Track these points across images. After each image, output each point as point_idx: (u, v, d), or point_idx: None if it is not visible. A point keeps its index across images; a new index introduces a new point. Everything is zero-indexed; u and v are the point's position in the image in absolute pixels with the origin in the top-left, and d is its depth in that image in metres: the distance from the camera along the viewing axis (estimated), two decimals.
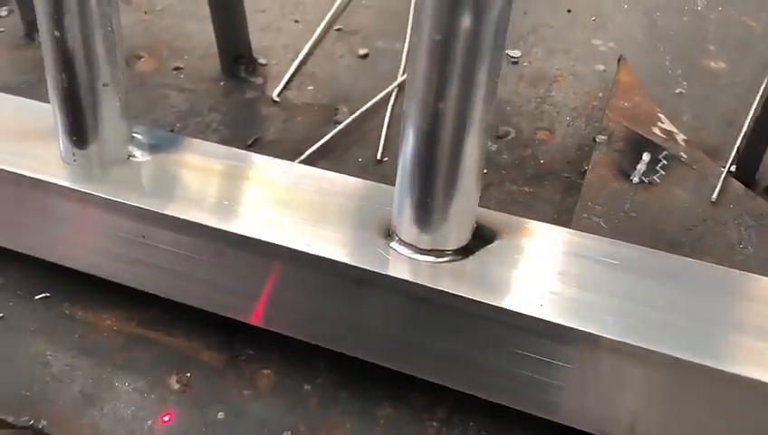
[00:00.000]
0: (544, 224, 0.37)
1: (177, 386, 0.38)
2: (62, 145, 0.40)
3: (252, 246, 0.36)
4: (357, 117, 0.53)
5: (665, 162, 0.47)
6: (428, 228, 0.34)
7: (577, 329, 0.31)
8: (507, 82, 0.57)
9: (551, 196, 0.47)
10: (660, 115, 0.50)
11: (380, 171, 0.49)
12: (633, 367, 0.31)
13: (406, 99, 0.32)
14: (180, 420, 0.36)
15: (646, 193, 0.45)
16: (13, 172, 0.40)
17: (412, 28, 0.32)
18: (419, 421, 0.36)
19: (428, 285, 0.33)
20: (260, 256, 0.36)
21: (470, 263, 0.34)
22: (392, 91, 0.56)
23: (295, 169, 0.41)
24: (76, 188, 0.38)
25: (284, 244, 0.35)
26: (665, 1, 0.67)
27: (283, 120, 0.54)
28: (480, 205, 0.36)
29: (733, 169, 0.48)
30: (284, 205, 0.37)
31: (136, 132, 0.41)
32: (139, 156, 0.40)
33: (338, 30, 0.64)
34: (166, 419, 0.36)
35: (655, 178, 0.46)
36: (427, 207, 0.33)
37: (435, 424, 0.36)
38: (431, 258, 0.34)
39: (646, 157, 0.47)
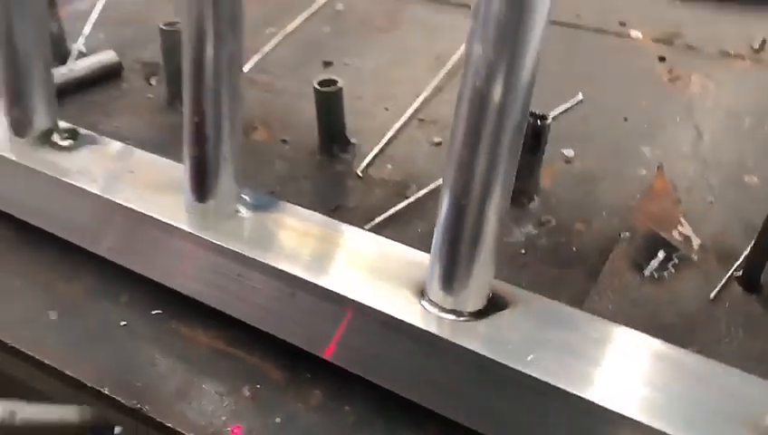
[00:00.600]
0: (553, 301, 0.46)
1: (248, 394, 0.48)
2: (187, 197, 0.52)
3: (322, 293, 0.46)
4: (422, 195, 0.64)
5: (676, 261, 0.54)
6: (451, 292, 0.43)
7: (550, 383, 0.39)
8: (558, 178, 0.66)
9: (574, 279, 0.55)
10: (682, 220, 0.58)
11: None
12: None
13: (443, 177, 0.42)
14: (247, 421, 0.47)
15: (653, 286, 0.53)
16: (147, 214, 0.53)
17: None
18: None
19: (444, 338, 0.42)
20: (326, 301, 0.46)
21: (482, 324, 0.43)
22: None
23: (364, 235, 0.51)
24: (194, 232, 0.50)
25: (345, 294, 0.45)
26: (715, 117, 0.75)
27: (362, 191, 0.65)
28: (512, 281, 0.46)
29: (740, 273, 0.54)
30: (352, 263, 0.48)
31: (243, 193, 0.53)
32: (244, 212, 0.52)
33: (420, 120, 0.75)
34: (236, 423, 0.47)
35: (664, 274, 0.54)
36: (451, 274, 0.43)
37: None
38: (452, 317, 0.44)
39: (660, 255, 0.55)
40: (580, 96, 0.78)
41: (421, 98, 0.78)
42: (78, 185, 0.55)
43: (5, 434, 0.49)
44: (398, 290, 0.46)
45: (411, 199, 0.63)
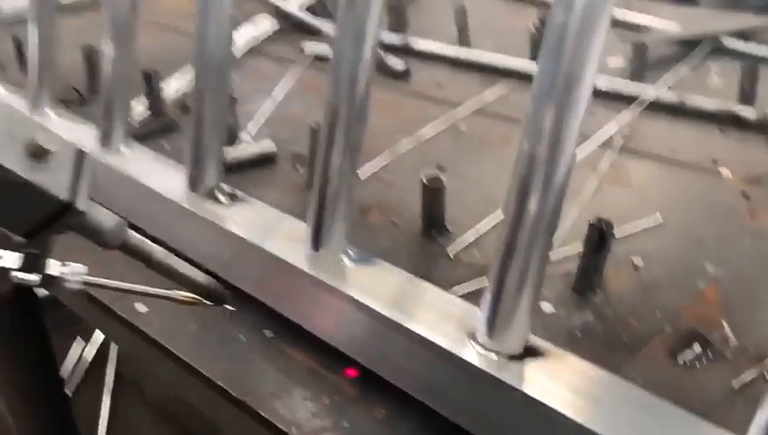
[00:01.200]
0: (583, 360, 0.55)
1: (327, 402, 0.61)
2: (306, 246, 0.67)
3: (395, 327, 0.59)
4: None
5: (710, 356, 0.61)
6: (492, 336, 0.54)
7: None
8: (624, 280, 0.76)
9: (617, 359, 0.64)
10: (724, 324, 0.65)
11: None
12: None
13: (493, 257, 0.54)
14: (322, 420, 0.59)
15: (683, 371, 0.60)
16: (276, 256, 0.68)
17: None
18: None
19: (484, 370, 0.53)
20: (398, 334, 0.59)
21: (515, 365, 0.54)
22: None
23: (437, 291, 0.63)
24: (306, 271, 0.65)
25: (414, 329, 0.58)
26: None
27: (450, 269, 0.78)
28: None
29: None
30: (422, 308, 0.60)
31: (349, 249, 0.68)
32: (347, 262, 0.66)
33: None
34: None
35: (696, 363, 0.61)
36: (494, 323, 0.54)
37: None
38: (492, 356, 0.54)
39: (696, 348, 0.62)
40: (660, 219, 0.87)
41: None
42: (232, 231, 0.72)
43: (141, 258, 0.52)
44: (457, 332, 0.57)
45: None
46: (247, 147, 1.02)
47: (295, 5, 1.67)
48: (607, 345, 0.66)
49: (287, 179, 0.98)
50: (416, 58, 1.45)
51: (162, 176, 0.81)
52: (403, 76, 1.35)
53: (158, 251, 0.50)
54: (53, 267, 0.46)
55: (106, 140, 0.89)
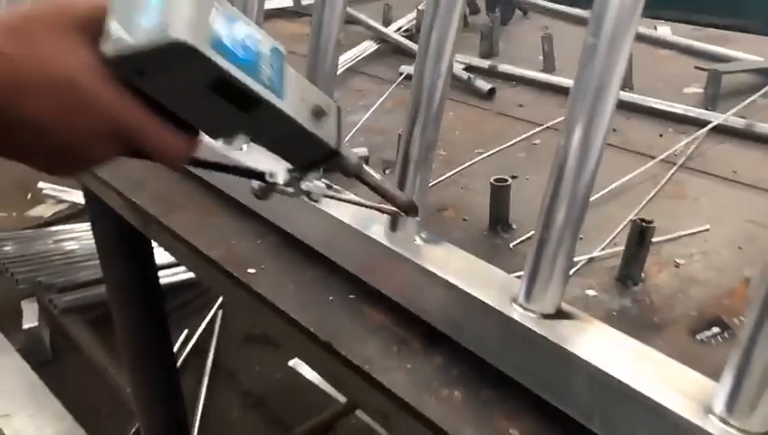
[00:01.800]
0: (604, 323, 0.66)
1: (395, 349, 0.74)
2: (386, 227, 0.81)
3: (453, 288, 0.72)
4: None
5: (726, 336, 0.71)
6: (531, 301, 0.66)
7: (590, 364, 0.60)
8: (665, 275, 0.85)
9: (645, 335, 0.74)
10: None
11: None
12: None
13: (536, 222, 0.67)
14: (390, 362, 0.72)
15: (698, 346, 0.70)
16: (362, 232, 0.82)
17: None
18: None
19: (526, 325, 0.65)
20: (455, 295, 0.72)
21: (548, 322, 0.66)
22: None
23: (491, 268, 0.76)
24: (387, 245, 0.79)
25: (468, 291, 0.71)
26: None
27: (509, 258, 0.90)
28: None
29: None
30: (475, 275, 0.73)
31: (423, 232, 0.81)
32: (419, 241, 0.80)
33: None
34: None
35: (712, 341, 0.71)
36: (532, 288, 0.66)
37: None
38: (532, 315, 0.66)
39: (714, 330, 0.72)
40: (707, 226, 0.96)
41: None
42: (333, 214, 0.87)
43: None
44: (502, 296, 0.70)
45: None
46: None
47: (393, 29, 1.84)
48: (638, 324, 0.77)
49: None
50: (502, 81, 1.59)
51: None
52: (488, 97, 1.48)
53: (377, 178, 0.66)
54: (305, 184, 0.61)
55: None
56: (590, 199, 1.02)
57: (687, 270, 0.87)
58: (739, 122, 1.25)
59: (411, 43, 1.74)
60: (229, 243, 0.95)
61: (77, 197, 3.23)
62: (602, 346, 0.62)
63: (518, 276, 0.71)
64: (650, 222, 0.82)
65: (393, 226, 0.81)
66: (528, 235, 0.95)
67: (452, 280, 0.72)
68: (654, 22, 1.91)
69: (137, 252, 1.46)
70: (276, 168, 0.59)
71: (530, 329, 0.65)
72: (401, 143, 0.80)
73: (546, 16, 2.11)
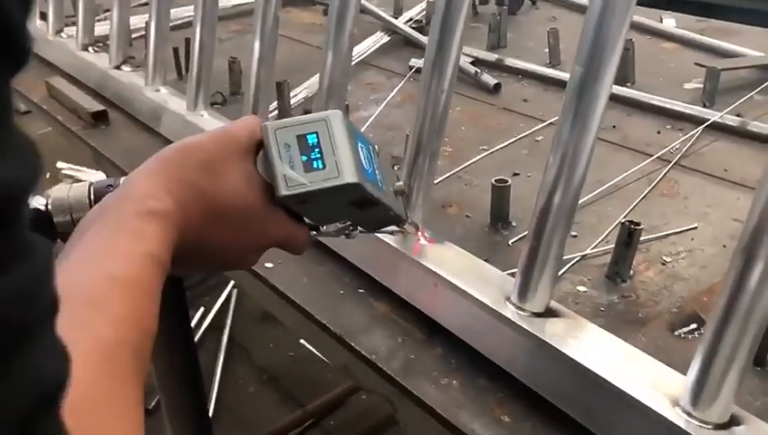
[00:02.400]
0: (589, 321, 0.73)
1: (399, 340, 0.81)
2: (392, 227, 0.88)
3: (452, 287, 0.79)
4: None
5: (702, 332, 0.77)
6: (523, 300, 0.73)
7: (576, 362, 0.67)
8: (652, 272, 0.92)
9: (627, 329, 0.81)
10: None
11: None
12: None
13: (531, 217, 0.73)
14: (395, 352, 0.80)
15: (676, 341, 0.77)
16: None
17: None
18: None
19: (515, 322, 0.72)
20: (452, 292, 0.79)
21: (538, 320, 0.72)
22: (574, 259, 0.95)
23: (485, 265, 0.83)
24: (392, 245, 0.86)
25: (465, 288, 0.77)
26: None
27: (506, 254, 0.97)
28: None
29: None
30: (470, 273, 0.80)
31: (425, 232, 0.88)
32: (421, 240, 0.87)
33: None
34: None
35: (689, 337, 0.77)
36: (524, 288, 0.73)
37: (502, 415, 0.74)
38: (522, 313, 0.73)
39: (692, 326, 0.79)
40: (695, 225, 1.02)
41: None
42: None
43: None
44: (497, 294, 0.77)
45: None
46: None
47: (403, 20, 1.89)
48: (623, 319, 0.83)
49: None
50: (508, 75, 1.64)
51: None
52: (494, 91, 1.54)
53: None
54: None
55: None
56: (586, 198, 1.09)
57: (673, 267, 0.94)
58: (734, 120, 1.30)
59: (421, 36, 1.79)
60: None
61: (94, 176, 3.31)
62: (585, 343, 0.69)
63: (512, 273, 0.77)
64: (638, 224, 0.88)
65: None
66: (526, 233, 1.01)
67: (451, 279, 0.79)
68: (660, 13, 1.95)
69: None
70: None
71: (521, 327, 0.72)
72: (409, 143, 0.86)
73: (555, 6, 2.15)
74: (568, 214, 0.70)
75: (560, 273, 0.92)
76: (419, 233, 0.85)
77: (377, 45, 1.81)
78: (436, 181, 1.16)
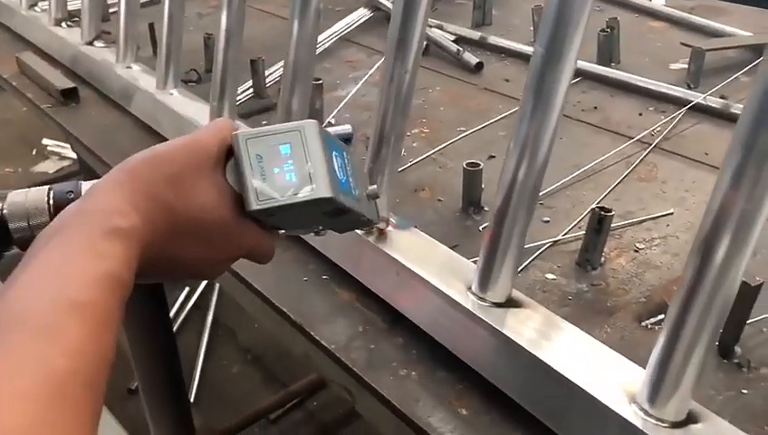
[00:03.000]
0: (549, 311, 0.71)
1: (360, 329, 0.79)
2: None
3: (412, 275, 0.76)
4: None
5: None
6: (484, 290, 0.71)
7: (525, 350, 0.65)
8: (624, 260, 0.90)
9: (596, 319, 0.79)
10: None
11: None
12: None
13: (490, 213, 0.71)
14: (355, 342, 0.78)
15: (642, 332, 0.75)
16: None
17: None
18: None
19: (474, 312, 0.70)
20: (415, 281, 0.77)
21: (501, 311, 0.70)
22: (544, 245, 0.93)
23: (446, 250, 0.81)
24: (360, 235, 0.84)
25: (427, 278, 0.75)
26: None
27: (477, 239, 0.95)
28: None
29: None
30: (433, 262, 0.77)
31: (391, 217, 0.86)
32: (391, 228, 0.84)
33: (540, 204, 1.03)
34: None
35: (656, 328, 0.75)
36: (484, 278, 0.71)
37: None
38: (483, 303, 0.71)
39: (660, 316, 0.77)
40: (672, 211, 1.00)
41: (550, 188, 1.05)
42: None
43: None
44: (459, 283, 0.74)
45: None
46: (329, 129, 1.22)
47: None
48: (591, 308, 0.81)
49: (356, 157, 1.16)
50: (491, 53, 1.61)
51: None
52: (475, 71, 1.51)
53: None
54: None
55: (215, 117, 1.11)
56: (562, 182, 1.07)
57: (646, 255, 0.91)
58: (717, 102, 1.28)
59: None
60: None
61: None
62: (544, 335, 0.67)
63: (476, 261, 0.75)
64: (609, 211, 0.86)
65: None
66: None
67: (412, 267, 0.77)
68: None
69: None
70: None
71: (479, 317, 0.70)
72: (372, 127, 0.83)
73: None
74: (529, 201, 0.68)
75: (530, 259, 0.90)
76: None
77: (360, 21, 1.77)
78: (409, 164, 1.14)
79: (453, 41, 1.59)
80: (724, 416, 0.62)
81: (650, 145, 1.17)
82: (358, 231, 0.83)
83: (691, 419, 0.58)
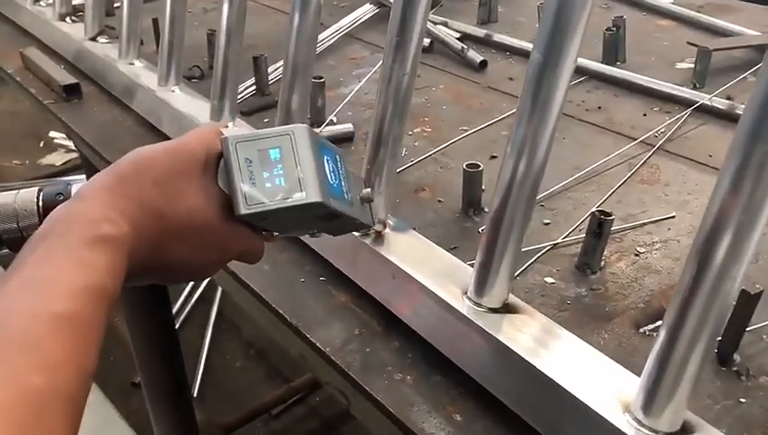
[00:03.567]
0: (546, 317, 0.70)
1: (356, 332, 0.79)
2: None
3: (408, 279, 0.76)
4: None
5: None
6: (480, 295, 0.70)
7: (517, 355, 0.65)
8: (624, 264, 0.89)
9: (594, 325, 0.79)
10: None
11: None
12: None
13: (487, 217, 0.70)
14: (350, 345, 0.77)
15: (640, 338, 0.74)
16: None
17: None
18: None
19: (473, 320, 0.70)
20: (411, 285, 0.76)
21: (496, 317, 0.70)
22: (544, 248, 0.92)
23: (446, 254, 0.80)
24: (358, 237, 0.83)
25: (423, 282, 0.75)
26: None
27: (477, 242, 0.94)
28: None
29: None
30: (431, 265, 0.77)
31: (389, 219, 0.85)
32: (388, 231, 0.84)
33: (541, 205, 1.02)
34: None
35: (653, 334, 0.75)
36: (481, 283, 0.70)
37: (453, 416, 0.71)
38: (478, 309, 0.71)
39: (658, 323, 0.76)
40: (674, 214, 0.99)
41: (552, 189, 1.04)
42: None
43: None
44: (454, 289, 0.74)
45: None
46: (330, 127, 1.21)
47: None
48: (589, 313, 0.81)
49: (360, 155, 1.16)
50: (496, 51, 1.59)
51: None
52: (480, 69, 1.50)
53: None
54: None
55: (216, 114, 1.10)
56: (564, 183, 1.06)
57: (646, 259, 0.91)
58: (722, 103, 1.26)
59: None
60: None
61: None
62: (540, 342, 0.67)
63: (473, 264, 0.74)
64: (609, 214, 0.85)
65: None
66: None
67: (408, 270, 0.76)
68: None
69: None
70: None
71: (474, 323, 0.69)
72: (370, 129, 0.83)
73: None
74: (526, 206, 0.67)
75: (529, 262, 0.89)
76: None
77: (365, 18, 1.76)
78: (410, 163, 1.13)
79: (458, 38, 1.58)
80: (721, 426, 0.61)
81: (654, 147, 1.16)
82: (355, 233, 0.82)
83: (686, 429, 0.58)
